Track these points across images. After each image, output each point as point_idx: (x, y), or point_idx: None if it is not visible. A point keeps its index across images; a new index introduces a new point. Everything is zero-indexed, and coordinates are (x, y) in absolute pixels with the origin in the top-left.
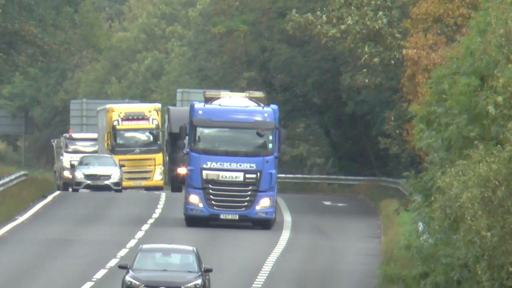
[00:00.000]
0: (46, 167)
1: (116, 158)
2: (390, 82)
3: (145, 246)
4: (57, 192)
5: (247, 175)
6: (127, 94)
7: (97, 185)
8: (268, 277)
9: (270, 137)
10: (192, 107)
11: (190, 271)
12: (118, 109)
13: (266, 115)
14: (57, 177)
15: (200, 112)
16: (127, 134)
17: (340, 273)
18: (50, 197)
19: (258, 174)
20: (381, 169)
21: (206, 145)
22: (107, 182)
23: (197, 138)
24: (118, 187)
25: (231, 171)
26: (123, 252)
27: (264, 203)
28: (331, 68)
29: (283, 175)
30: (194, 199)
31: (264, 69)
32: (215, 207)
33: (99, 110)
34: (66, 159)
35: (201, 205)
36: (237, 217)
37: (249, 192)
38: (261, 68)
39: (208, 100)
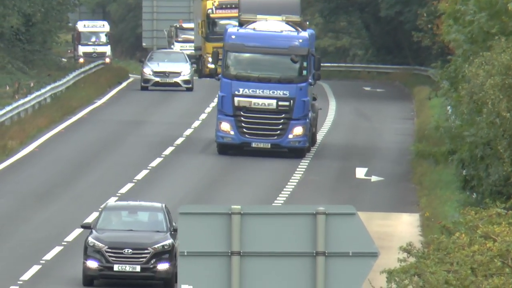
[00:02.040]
0: (121, 57)
1: (210, 45)
2: None
3: (110, 203)
4: (131, 79)
5: (280, 103)
6: None
7: (166, 82)
8: (316, 153)
9: (305, 64)
10: (225, 31)
11: (158, 231)
12: None
13: (300, 40)
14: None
15: (233, 36)
16: (221, 22)
17: (379, 149)
18: (124, 83)
19: (291, 101)
20: (415, 59)
21: (238, 71)
22: (176, 79)
23: (229, 63)
24: (188, 84)
25: (264, 98)
26: (188, 131)
27: (297, 131)
28: None
29: (328, 64)
30: (225, 126)
31: None
32: (246, 135)
33: None
34: (177, 48)
35: (232, 132)
36: (269, 145)
37: (282, 120)
38: None
39: (243, 23)
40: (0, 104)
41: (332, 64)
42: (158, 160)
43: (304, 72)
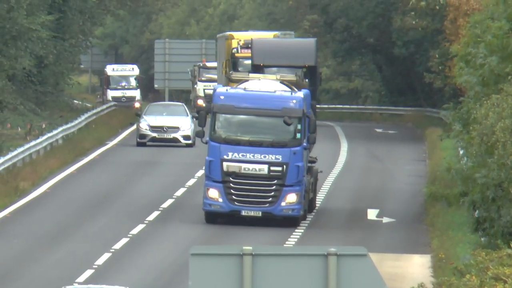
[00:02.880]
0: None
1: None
2: (435, 25)
3: None
4: None
5: (272, 168)
6: (204, 35)
7: (163, 138)
8: (328, 194)
9: (299, 126)
10: (214, 91)
11: None
12: (238, 37)
13: (294, 101)
14: (192, 106)
15: (222, 97)
16: (246, 62)
17: (391, 191)
18: (135, 125)
19: (284, 166)
20: (427, 100)
21: (227, 134)
22: (175, 135)
23: (218, 126)
24: (188, 140)
25: (255, 163)
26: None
27: (290, 198)
28: (384, 12)
29: (341, 106)
30: (213, 193)
31: (325, 13)
32: (236, 203)
33: (218, 37)
34: (200, 87)
35: (220, 200)
36: (260, 214)
37: (274, 187)
38: (322, 11)
39: (234, 82)
40: (12, 146)
41: (344, 106)
42: (154, 213)
43: (298, 135)
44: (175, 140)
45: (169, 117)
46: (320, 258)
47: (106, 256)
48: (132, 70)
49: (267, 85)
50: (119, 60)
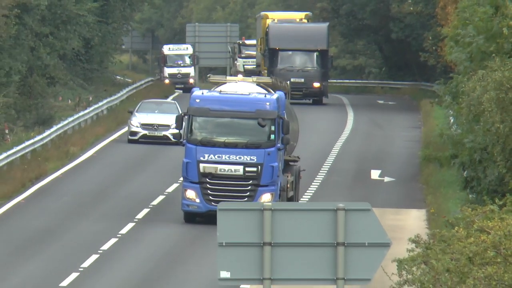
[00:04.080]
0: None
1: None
2: (428, 10)
3: None
4: (177, 93)
5: (247, 169)
6: (228, 19)
7: (154, 135)
8: (336, 157)
9: (272, 128)
10: (191, 94)
11: None
12: (272, 16)
13: (268, 103)
14: None
15: (198, 100)
16: None
17: (391, 154)
18: (170, 97)
19: (259, 167)
20: (421, 76)
21: (203, 136)
22: (165, 133)
23: (194, 128)
24: (179, 139)
25: (230, 164)
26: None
27: (265, 198)
28: None
29: (347, 80)
30: (191, 194)
31: (333, 0)
32: (213, 203)
33: (256, 17)
34: (240, 63)
35: (198, 200)
36: None
37: (249, 187)
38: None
39: (212, 85)
40: (63, 116)
41: (350, 81)
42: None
43: (272, 137)
44: (166, 138)
45: (160, 115)
46: (330, 213)
47: (145, 211)
48: (186, 50)
49: (243, 88)
50: (156, 41)
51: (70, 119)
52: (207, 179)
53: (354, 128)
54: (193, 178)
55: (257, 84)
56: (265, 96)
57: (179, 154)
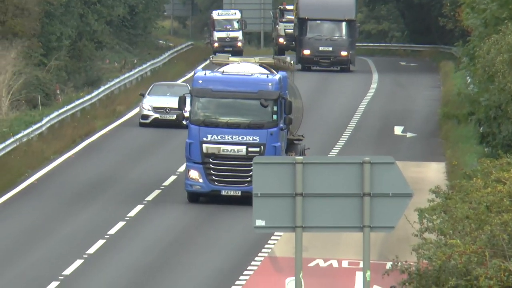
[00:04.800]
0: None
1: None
2: None
3: None
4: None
5: (250, 149)
6: None
7: (166, 119)
8: (362, 114)
9: (275, 108)
10: (194, 75)
11: None
12: None
13: (270, 84)
14: (274, 44)
15: (200, 81)
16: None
17: (412, 111)
18: (208, 60)
19: (262, 147)
20: (441, 39)
21: (206, 116)
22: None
23: (196, 109)
24: (182, 120)
25: (233, 144)
26: None
27: None
28: None
29: (372, 44)
30: (194, 174)
31: None
32: (216, 183)
33: None
34: (281, 27)
35: (201, 180)
36: (239, 193)
37: (252, 167)
38: None
39: (216, 65)
40: (110, 77)
41: (375, 44)
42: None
43: (275, 117)
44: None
45: (172, 98)
46: (357, 165)
47: (172, 178)
48: (234, 15)
49: (245, 68)
50: (195, 8)
51: (117, 80)
52: (210, 160)
53: (379, 88)
54: (196, 159)
55: (259, 65)
56: (268, 76)
57: None
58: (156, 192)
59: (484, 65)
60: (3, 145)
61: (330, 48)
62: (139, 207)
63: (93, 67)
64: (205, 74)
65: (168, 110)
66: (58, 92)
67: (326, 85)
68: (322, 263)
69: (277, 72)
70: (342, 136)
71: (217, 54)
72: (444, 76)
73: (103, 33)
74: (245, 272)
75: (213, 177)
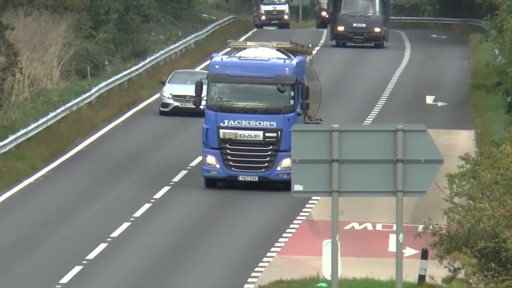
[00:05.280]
0: (248, 12)
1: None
2: None
3: None
4: (255, 29)
5: (267, 134)
6: None
7: (186, 108)
8: (395, 85)
9: (292, 93)
10: (210, 60)
11: None
12: None
13: (287, 69)
14: (317, 17)
15: (217, 66)
16: None
17: (443, 82)
18: (250, 32)
19: (279, 132)
20: (470, 13)
21: (222, 102)
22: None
23: (213, 94)
24: (198, 105)
25: (250, 129)
26: None
27: (285, 163)
28: None
29: (405, 17)
30: (211, 160)
31: None
32: (233, 168)
33: None
34: (324, 1)
35: (218, 166)
36: (256, 178)
37: (269, 152)
38: None
39: (233, 50)
40: (156, 49)
41: (407, 17)
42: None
43: (292, 102)
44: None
45: (193, 86)
46: (390, 133)
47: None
48: None
49: (262, 53)
50: None
51: (162, 51)
52: (227, 145)
53: (411, 59)
54: (213, 144)
55: (276, 49)
56: (285, 61)
57: None
58: (183, 172)
59: (511, 37)
60: (54, 113)
61: (364, 25)
62: (165, 188)
63: (140, 39)
64: (222, 59)
65: (189, 98)
66: (106, 63)
67: (361, 57)
68: (357, 226)
69: (295, 57)
70: (376, 105)
71: (258, 27)
72: (473, 48)
73: (149, 7)
74: (284, 235)
75: (230, 162)
